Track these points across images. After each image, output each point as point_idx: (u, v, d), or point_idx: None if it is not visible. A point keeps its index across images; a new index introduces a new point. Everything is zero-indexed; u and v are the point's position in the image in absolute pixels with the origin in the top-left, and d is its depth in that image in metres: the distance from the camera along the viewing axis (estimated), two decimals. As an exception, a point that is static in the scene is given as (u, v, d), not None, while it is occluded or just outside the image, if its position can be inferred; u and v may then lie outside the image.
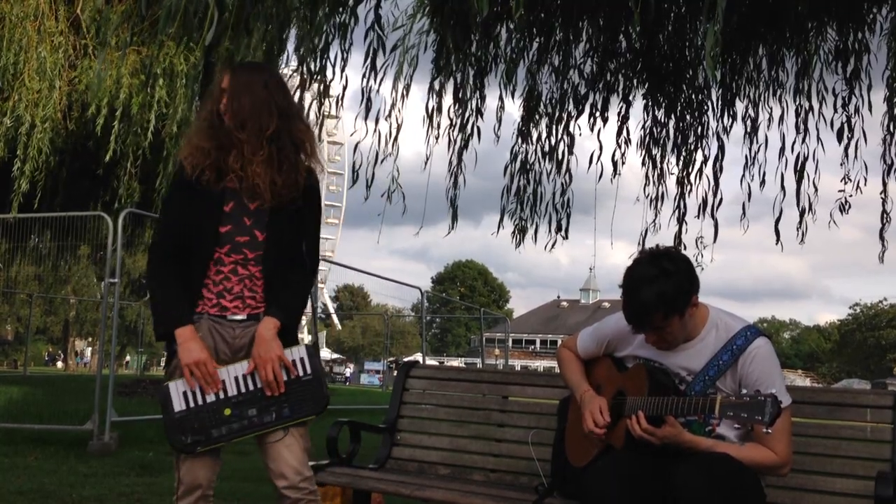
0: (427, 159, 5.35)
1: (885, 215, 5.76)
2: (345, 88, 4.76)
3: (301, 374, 2.32)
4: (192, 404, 2.28)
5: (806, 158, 5.81)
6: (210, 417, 2.28)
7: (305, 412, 2.30)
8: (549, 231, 6.27)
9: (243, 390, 2.30)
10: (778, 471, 2.43)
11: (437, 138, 5.56)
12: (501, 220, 6.17)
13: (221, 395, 2.29)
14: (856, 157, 5.66)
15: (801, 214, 5.91)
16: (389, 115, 4.92)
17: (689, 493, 2.22)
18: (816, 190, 5.86)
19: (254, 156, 2.31)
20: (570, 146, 6.16)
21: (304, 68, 4.36)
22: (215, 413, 2.28)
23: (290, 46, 4.50)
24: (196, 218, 2.34)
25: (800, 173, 5.83)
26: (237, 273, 2.35)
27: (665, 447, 2.35)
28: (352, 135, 4.84)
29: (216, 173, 2.33)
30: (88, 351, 47.47)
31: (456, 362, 47.28)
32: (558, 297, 76.91)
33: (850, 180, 5.70)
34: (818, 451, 2.77)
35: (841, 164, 5.72)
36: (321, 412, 2.33)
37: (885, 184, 5.72)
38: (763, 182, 5.95)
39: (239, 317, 2.35)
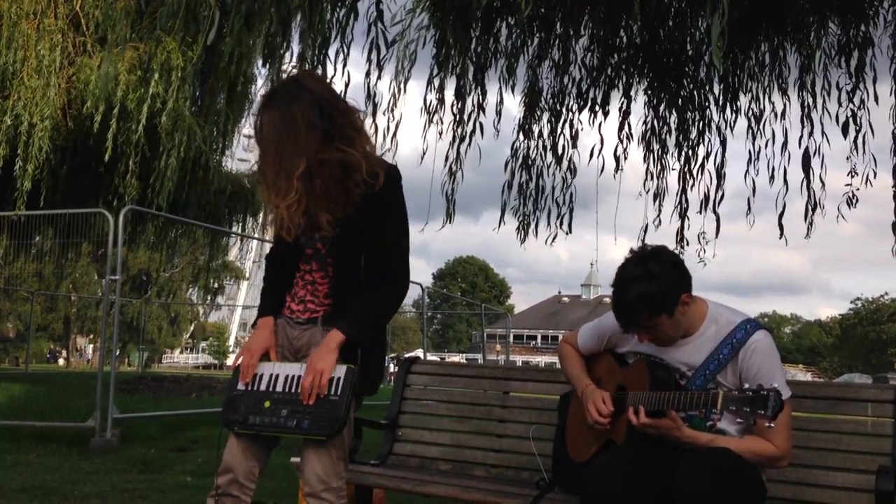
0: (424, 154, 5.35)
1: None
2: (347, 85, 4.75)
3: (330, 393, 2.31)
4: (249, 387, 2.37)
5: (814, 153, 5.79)
6: (254, 404, 2.34)
7: (318, 431, 2.30)
8: (550, 225, 6.27)
9: (287, 389, 2.35)
10: (777, 463, 2.44)
11: (440, 134, 5.57)
12: (503, 215, 6.17)
13: (271, 388, 2.36)
14: (864, 150, 5.64)
15: (812, 209, 5.89)
16: (388, 111, 4.92)
17: (691, 488, 2.22)
18: (823, 184, 5.85)
19: (283, 201, 2.27)
20: (574, 141, 6.16)
21: (306, 65, 4.35)
22: (259, 401, 2.34)
23: (294, 44, 4.49)
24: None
25: (806, 168, 5.82)
26: (304, 279, 2.44)
27: (663, 439, 2.36)
28: None
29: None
30: (90, 348, 47.55)
31: (457, 358, 47.32)
32: (559, 292, 76.97)
33: (857, 174, 5.68)
34: (819, 446, 2.78)
35: (847, 158, 5.70)
36: (332, 436, 2.31)
37: None
38: (772, 177, 5.94)
39: (300, 319, 2.43)
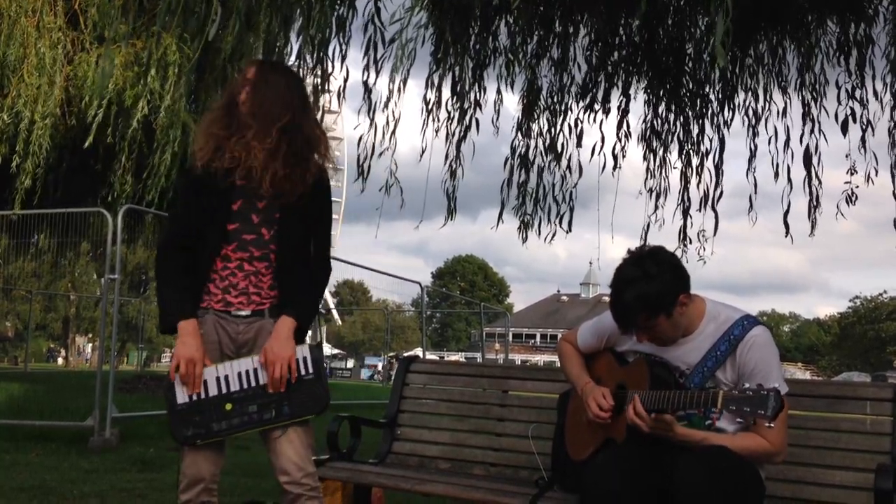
0: (423, 152, 5.34)
1: None
2: (346, 81, 4.75)
3: (304, 373, 2.33)
4: (194, 398, 2.32)
5: (815, 151, 5.79)
6: (211, 411, 2.31)
7: (305, 411, 2.31)
8: (550, 223, 6.26)
9: (245, 386, 2.32)
10: (773, 459, 2.44)
11: (436, 132, 5.56)
12: (501, 214, 6.15)
13: (224, 390, 2.32)
14: (863, 148, 5.62)
15: (814, 207, 5.88)
16: (386, 109, 4.92)
17: (690, 487, 2.22)
18: (820, 182, 5.85)
19: (259, 143, 2.33)
20: (579, 140, 6.14)
21: (304, 62, 4.35)
22: (217, 407, 2.31)
23: (293, 40, 4.49)
24: (205, 215, 2.38)
25: (808, 165, 5.81)
26: (243, 269, 2.38)
27: (661, 438, 2.36)
28: (355, 128, 4.86)
29: (226, 169, 2.35)
30: (89, 347, 47.53)
31: (456, 357, 47.30)
32: (558, 291, 77.00)
33: (857, 172, 5.67)
34: (818, 444, 2.78)
35: (846, 156, 5.68)
36: (321, 412, 2.35)
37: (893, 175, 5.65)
38: (777, 174, 5.92)
39: (243, 312, 2.38)
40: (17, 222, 10.22)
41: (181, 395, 2.32)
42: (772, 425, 2.16)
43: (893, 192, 5.55)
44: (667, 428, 2.33)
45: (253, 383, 2.32)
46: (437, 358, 29.49)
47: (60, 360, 45.06)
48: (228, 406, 2.30)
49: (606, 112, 6.19)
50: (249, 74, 2.43)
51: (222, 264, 2.38)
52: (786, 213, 5.83)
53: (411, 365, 3.73)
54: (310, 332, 2.51)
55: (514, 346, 57.89)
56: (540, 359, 53.27)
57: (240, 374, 2.33)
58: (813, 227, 5.95)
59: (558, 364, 2.92)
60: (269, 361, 2.30)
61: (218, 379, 2.33)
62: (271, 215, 2.38)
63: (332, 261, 2.55)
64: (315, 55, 4.32)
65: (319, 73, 4.50)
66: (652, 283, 2.37)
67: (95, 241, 11.60)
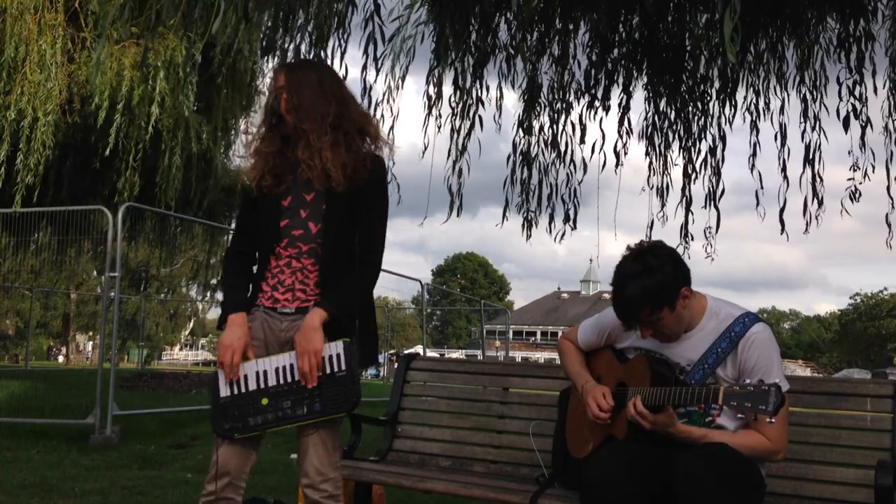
0: (425, 148, 5.34)
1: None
2: (344, 78, 4.75)
3: (335, 370, 2.30)
4: (235, 391, 2.32)
5: (817, 148, 5.79)
6: (249, 406, 2.31)
7: (335, 409, 2.29)
8: (554, 222, 6.26)
9: (282, 381, 2.32)
10: (772, 457, 2.44)
11: (439, 128, 5.57)
12: (505, 211, 6.15)
13: (262, 385, 2.32)
14: (862, 144, 5.62)
15: (819, 204, 5.88)
16: (383, 104, 4.93)
17: (690, 486, 2.22)
18: (821, 179, 5.84)
19: (320, 141, 2.33)
20: (582, 136, 6.14)
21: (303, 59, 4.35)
22: (254, 402, 2.31)
23: (295, 37, 4.49)
24: (261, 219, 2.41)
25: (810, 163, 5.81)
26: (291, 266, 2.38)
27: (662, 435, 2.36)
28: None
29: (275, 179, 2.37)
30: (89, 345, 47.53)
31: (456, 354, 47.31)
32: (558, 288, 77.04)
33: (859, 168, 5.66)
34: (818, 441, 2.78)
35: (848, 153, 5.67)
36: (351, 410, 2.33)
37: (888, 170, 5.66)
38: (784, 169, 5.91)
39: (288, 309, 2.37)
40: (19, 220, 10.22)
41: (224, 389, 2.33)
42: (773, 420, 2.16)
43: (888, 187, 5.56)
44: (667, 424, 2.34)
45: (289, 378, 2.31)
46: (438, 355, 29.49)
47: (61, 358, 45.06)
48: (265, 401, 2.30)
49: (607, 109, 6.18)
50: (280, 82, 2.39)
51: (275, 262, 2.39)
52: (781, 210, 5.82)
53: (412, 362, 3.73)
54: None
55: (515, 344, 57.90)
56: (540, 356, 53.26)
57: (277, 370, 2.32)
58: (814, 223, 5.95)
59: (558, 361, 2.92)
60: (298, 354, 2.29)
61: (258, 373, 2.33)
62: (318, 207, 2.37)
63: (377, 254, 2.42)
64: (313, 51, 4.32)
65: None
66: (653, 277, 2.37)
67: (96, 238, 11.60)
